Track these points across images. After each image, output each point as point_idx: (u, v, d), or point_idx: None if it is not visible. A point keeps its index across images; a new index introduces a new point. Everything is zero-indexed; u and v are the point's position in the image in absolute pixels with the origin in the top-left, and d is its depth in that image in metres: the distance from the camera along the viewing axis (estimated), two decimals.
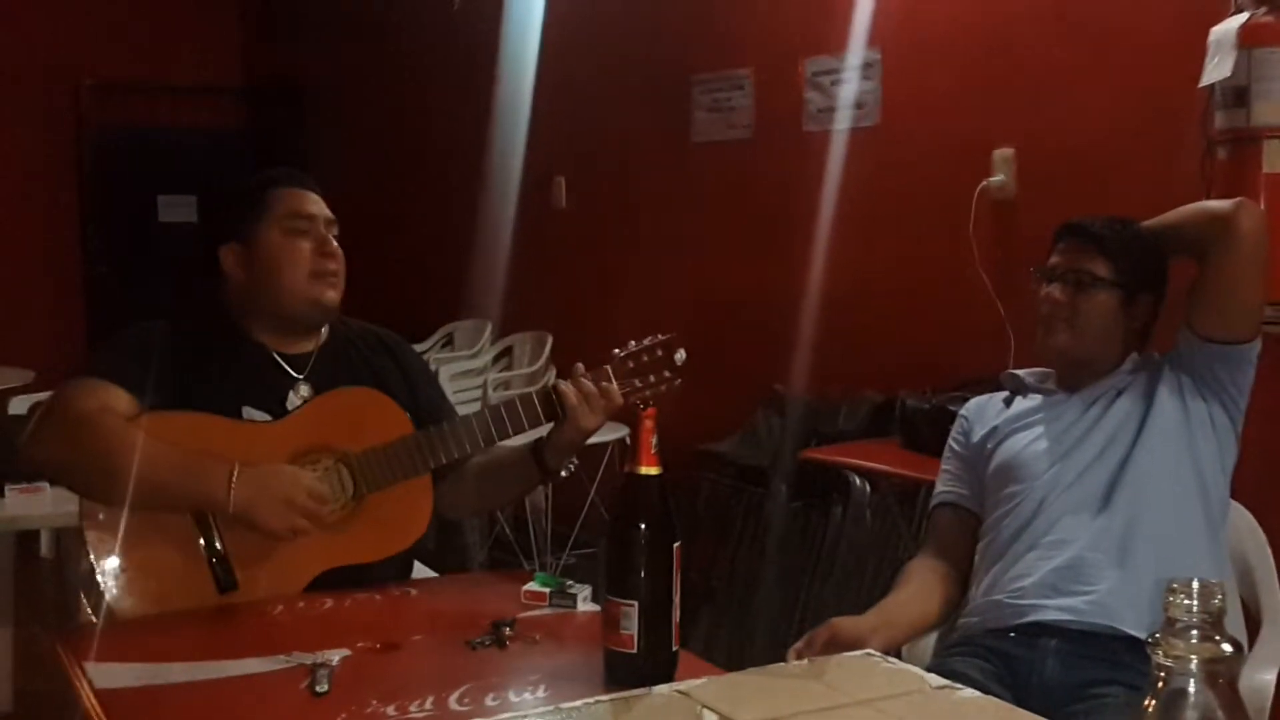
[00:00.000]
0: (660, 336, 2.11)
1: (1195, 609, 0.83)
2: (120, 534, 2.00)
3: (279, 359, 2.18)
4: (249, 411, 2.11)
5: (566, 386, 2.05)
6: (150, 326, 2.19)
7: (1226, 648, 0.82)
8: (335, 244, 2.19)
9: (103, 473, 1.99)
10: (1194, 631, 0.82)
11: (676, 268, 4.91)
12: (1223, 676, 0.81)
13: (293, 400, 2.15)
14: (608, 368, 2.08)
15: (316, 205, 2.20)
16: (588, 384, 2.05)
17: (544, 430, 2.13)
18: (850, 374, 4.04)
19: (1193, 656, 0.82)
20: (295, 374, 2.17)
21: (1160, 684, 0.82)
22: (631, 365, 2.09)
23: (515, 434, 2.10)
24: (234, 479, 1.94)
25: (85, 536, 2.02)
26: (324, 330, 2.25)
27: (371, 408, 2.15)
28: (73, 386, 2.05)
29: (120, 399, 2.03)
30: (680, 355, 2.10)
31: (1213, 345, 2.11)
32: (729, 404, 4.35)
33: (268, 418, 2.11)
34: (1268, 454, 2.58)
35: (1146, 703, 0.82)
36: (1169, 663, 0.82)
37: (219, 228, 2.24)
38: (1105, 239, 2.18)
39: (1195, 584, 0.83)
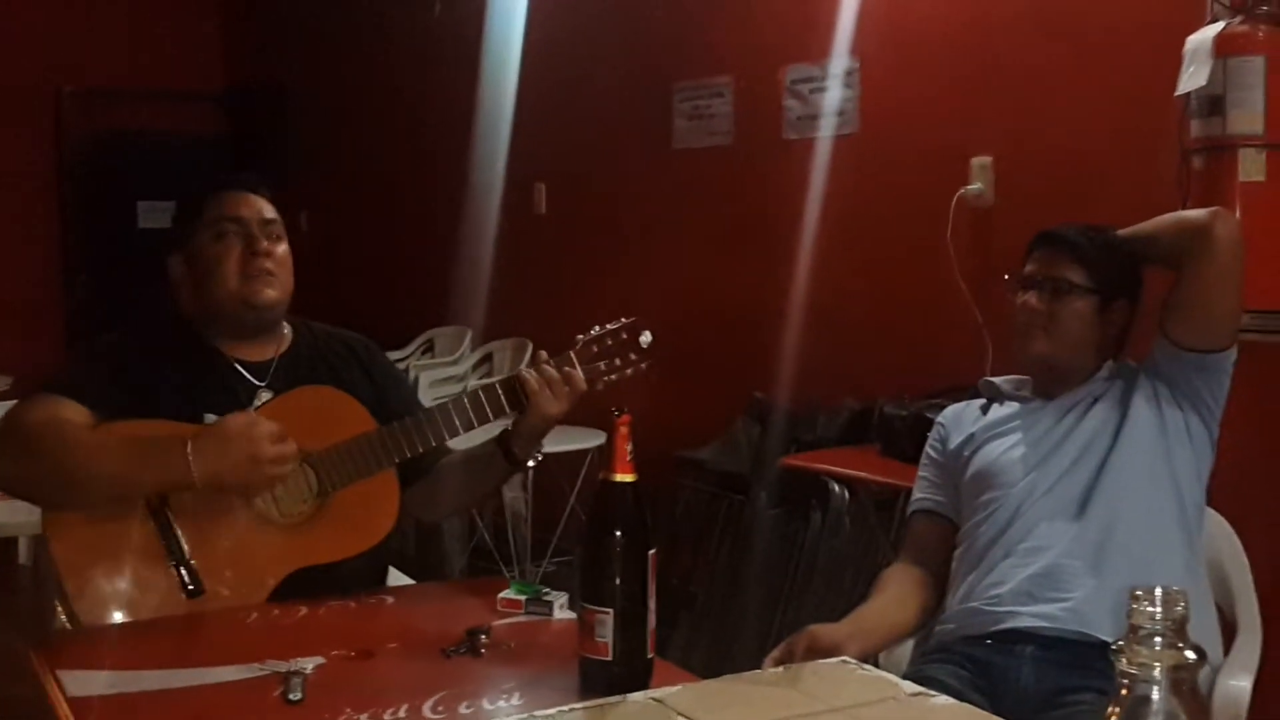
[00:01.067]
0: (624, 320, 2.10)
1: (1159, 616, 0.83)
2: (85, 546, 1.98)
3: (239, 367, 2.16)
4: (210, 418, 2.07)
5: (528, 373, 2.04)
6: (109, 339, 2.18)
7: (1190, 655, 0.82)
8: (268, 243, 2.14)
9: (60, 477, 1.98)
10: (1158, 639, 0.82)
11: (656, 274, 4.91)
12: (1187, 683, 0.81)
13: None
14: (571, 353, 2.07)
15: (249, 206, 2.16)
16: (550, 370, 2.04)
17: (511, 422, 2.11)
18: (829, 381, 4.04)
19: (1157, 664, 0.82)
20: (257, 381, 2.15)
21: (1125, 691, 0.82)
22: (596, 349, 2.07)
23: (480, 424, 2.09)
24: (190, 451, 1.93)
25: (50, 551, 2.00)
26: (287, 336, 2.23)
27: (332, 406, 2.13)
28: (27, 403, 2.04)
29: (76, 412, 2.01)
30: (646, 337, 2.09)
31: (1189, 354, 2.12)
32: (708, 411, 4.35)
33: None
34: (1243, 461, 2.59)
35: (1111, 710, 0.82)
36: (1133, 670, 0.82)
37: (166, 240, 2.21)
38: (1081, 246, 2.18)
39: (1159, 591, 0.83)
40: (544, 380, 2.03)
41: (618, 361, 2.08)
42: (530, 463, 2.14)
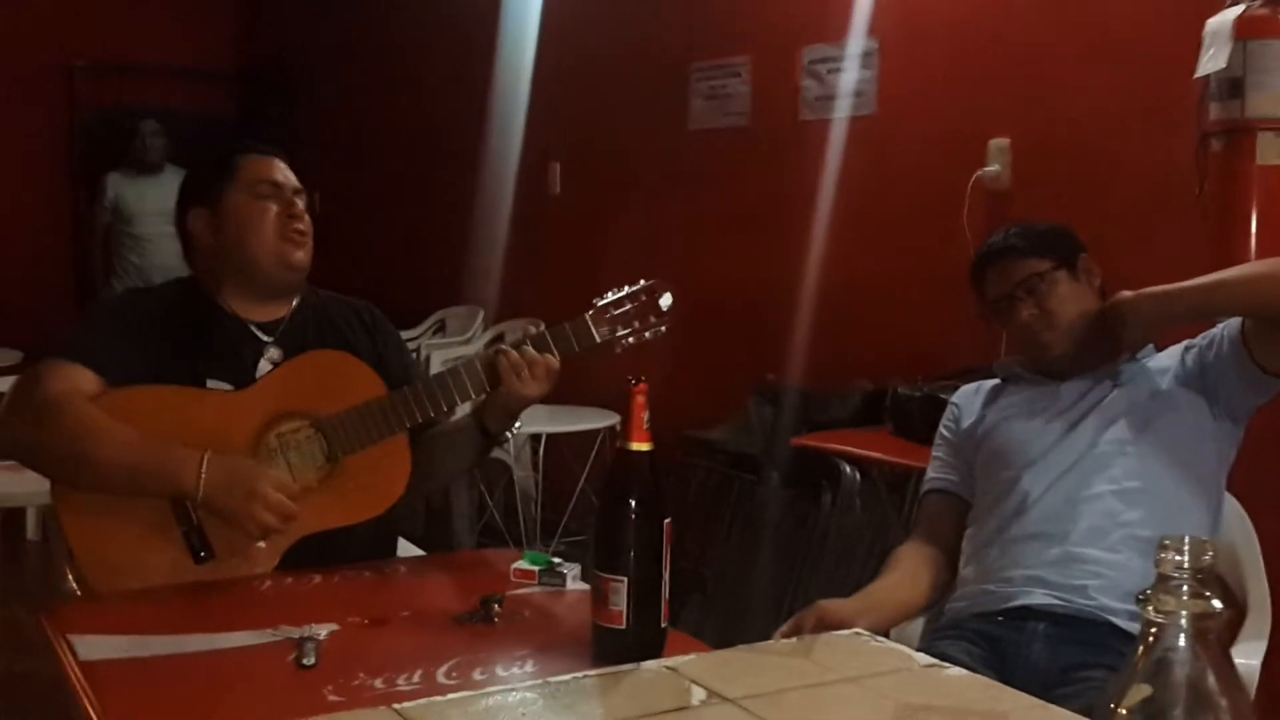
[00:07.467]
0: (644, 282, 2.10)
1: (1186, 565, 0.82)
2: (94, 513, 1.99)
3: (250, 325, 2.16)
4: (214, 383, 2.08)
5: (503, 355, 2.04)
6: (115, 300, 2.19)
7: (1217, 604, 0.81)
8: (302, 208, 2.18)
9: (70, 459, 1.98)
10: (1185, 587, 0.82)
11: (670, 255, 4.90)
12: (1213, 633, 0.81)
13: (263, 366, 2.13)
14: (587, 316, 2.07)
15: (283, 173, 2.19)
16: (530, 352, 2.04)
17: None
18: (842, 362, 4.04)
19: (1183, 612, 0.81)
20: (265, 337, 2.16)
21: (1151, 639, 0.82)
22: (614, 312, 2.07)
23: (478, 396, 2.10)
24: (203, 468, 1.94)
25: (59, 517, 2.01)
26: (296, 298, 2.24)
27: (343, 370, 2.13)
28: (39, 370, 2.04)
29: (86, 379, 2.01)
30: (666, 299, 2.09)
31: (1260, 371, 2.07)
32: (721, 391, 4.35)
33: (231, 389, 2.09)
34: (1255, 443, 2.58)
35: (1136, 658, 0.81)
36: (1159, 619, 0.81)
37: (186, 194, 2.22)
38: (1016, 247, 2.20)
39: (1187, 540, 0.83)
40: (520, 362, 2.03)
41: (637, 324, 2.08)
42: (503, 439, 2.15)
